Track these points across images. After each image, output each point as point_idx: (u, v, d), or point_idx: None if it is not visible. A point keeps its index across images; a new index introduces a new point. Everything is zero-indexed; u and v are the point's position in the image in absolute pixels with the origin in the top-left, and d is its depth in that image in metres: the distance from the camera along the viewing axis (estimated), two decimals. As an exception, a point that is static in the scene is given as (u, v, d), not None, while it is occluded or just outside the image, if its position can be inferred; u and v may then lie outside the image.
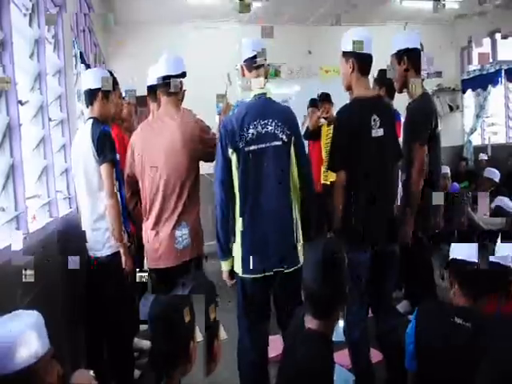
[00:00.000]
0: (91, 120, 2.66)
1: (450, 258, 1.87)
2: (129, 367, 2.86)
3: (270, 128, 2.33)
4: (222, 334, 1.50)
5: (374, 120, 2.43)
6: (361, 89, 2.51)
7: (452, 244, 1.87)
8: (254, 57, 2.41)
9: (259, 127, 2.33)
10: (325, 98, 5.16)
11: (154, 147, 2.60)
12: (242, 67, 2.48)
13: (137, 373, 3.12)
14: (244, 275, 2.39)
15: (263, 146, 2.33)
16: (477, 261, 1.78)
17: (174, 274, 2.53)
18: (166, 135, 2.57)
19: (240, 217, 2.37)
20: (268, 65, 2.50)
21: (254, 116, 2.34)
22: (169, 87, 2.59)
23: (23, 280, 1.86)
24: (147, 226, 2.66)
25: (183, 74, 2.66)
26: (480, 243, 1.83)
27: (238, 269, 2.41)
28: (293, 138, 2.37)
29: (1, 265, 1.68)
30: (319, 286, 1.69)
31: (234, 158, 2.34)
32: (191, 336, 1.40)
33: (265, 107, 2.38)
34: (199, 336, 1.48)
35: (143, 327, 3.86)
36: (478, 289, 1.82)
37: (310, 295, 1.73)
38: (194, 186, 2.63)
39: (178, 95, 2.68)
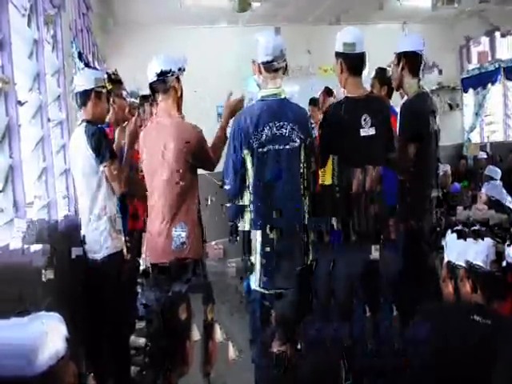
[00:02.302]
0: (84, 123, 2.63)
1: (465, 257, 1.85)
2: (125, 365, 2.86)
3: (284, 130, 2.32)
4: (219, 335, 1.48)
5: (365, 119, 2.43)
6: (351, 88, 2.51)
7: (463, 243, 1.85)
8: (272, 60, 2.36)
9: (274, 129, 2.32)
10: (324, 90, 5.14)
11: (151, 145, 2.57)
12: (258, 66, 2.41)
13: (134, 370, 3.12)
14: (261, 289, 2.36)
15: (277, 147, 2.32)
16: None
17: (171, 270, 2.51)
18: (162, 133, 2.53)
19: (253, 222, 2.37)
20: (286, 64, 2.42)
21: (269, 117, 2.32)
22: (164, 83, 2.50)
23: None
24: (148, 222, 2.65)
25: (180, 69, 2.54)
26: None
27: (256, 283, 2.37)
28: (306, 141, 2.36)
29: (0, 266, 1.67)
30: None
31: (248, 158, 2.34)
32: (187, 334, 1.39)
33: (281, 108, 2.35)
34: (196, 335, 1.47)
35: (139, 325, 3.87)
36: (491, 292, 1.80)
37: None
38: (191, 187, 2.59)
39: (175, 92, 2.55)
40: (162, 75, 2.49)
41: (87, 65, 3.85)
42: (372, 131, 2.44)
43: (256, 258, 2.37)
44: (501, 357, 1.53)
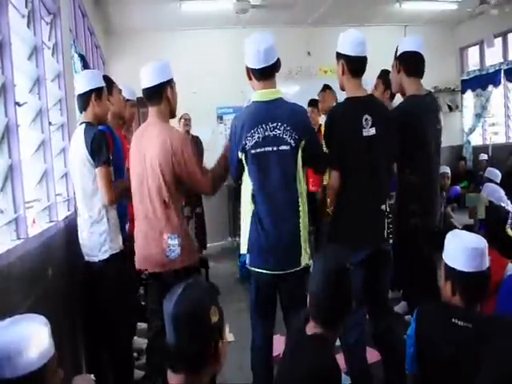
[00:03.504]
0: (83, 125, 2.62)
1: (444, 260, 1.86)
2: (128, 371, 2.83)
3: (277, 132, 2.31)
4: (229, 335, 1.47)
5: (366, 119, 2.43)
6: (352, 89, 2.51)
7: (446, 245, 1.85)
8: (264, 67, 2.33)
9: (268, 130, 2.32)
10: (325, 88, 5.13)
11: (138, 154, 2.54)
12: (250, 71, 2.39)
13: (139, 374, 3.10)
14: (251, 267, 2.44)
15: (269, 149, 2.32)
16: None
17: (164, 279, 2.48)
18: (149, 143, 2.48)
19: (250, 214, 2.39)
20: (278, 60, 2.38)
21: (263, 118, 2.32)
22: (148, 99, 2.51)
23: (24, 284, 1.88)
24: (136, 229, 2.61)
25: (166, 82, 2.49)
26: None
27: (247, 261, 2.46)
28: (302, 142, 2.34)
29: (1, 269, 1.67)
30: (331, 295, 1.71)
31: (243, 158, 2.36)
32: (219, 335, 1.39)
33: (275, 109, 2.34)
34: (230, 336, 1.46)
35: (142, 326, 3.86)
36: (473, 294, 1.80)
37: (320, 304, 1.74)
38: (177, 198, 2.55)
39: (161, 105, 2.51)
40: (158, 86, 2.47)
41: (86, 67, 3.86)
42: (372, 131, 2.44)
43: (244, 238, 2.44)
44: (483, 360, 1.53)
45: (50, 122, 2.78)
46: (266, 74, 2.36)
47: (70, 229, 2.80)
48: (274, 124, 2.31)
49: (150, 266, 2.54)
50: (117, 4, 5.85)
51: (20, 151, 2.05)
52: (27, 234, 2.08)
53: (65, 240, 2.72)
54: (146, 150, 2.48)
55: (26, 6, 2.61)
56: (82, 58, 3.89)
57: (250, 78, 2.42)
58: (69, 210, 3.08)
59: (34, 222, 2.48)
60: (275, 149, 2.32)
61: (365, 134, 2.43)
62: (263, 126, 2.31)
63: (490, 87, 7.80)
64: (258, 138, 2.31)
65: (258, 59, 2.32)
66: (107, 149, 2.57)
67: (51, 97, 2.87)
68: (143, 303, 4.31)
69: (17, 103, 2.09)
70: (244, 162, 2.37)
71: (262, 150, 2.32)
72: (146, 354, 2.88)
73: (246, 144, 2.33)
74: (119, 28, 6.71)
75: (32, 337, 1.16)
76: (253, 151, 2.32)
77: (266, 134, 2.31)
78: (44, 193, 2.64)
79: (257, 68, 2.35)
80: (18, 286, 1.85)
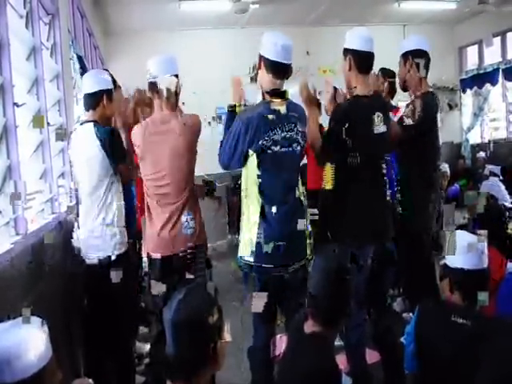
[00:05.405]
0: (91, 124, 2.54)
1: (445, 260, 1.86)
2: (130, 375, 2.82)
3: (292, 133, 2.35)
4: (227, 335, 1.48)
5: (378, 117, 2.44)
6: (360, 86, 2.48)
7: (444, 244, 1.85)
8: (287, 63, 2.33)
9: (284, 131, 2.34)
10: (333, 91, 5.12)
11: (155, 146, 2.54)
12: (268, 63, 2.33)
13: (139, 379, 3.08)
14: (259, 265, 2.38)
15: (285, 150, 2.35)
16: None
17: (180, 260, 2.58)
18: (167, 134, 2.53)
19: (260, 215, 2.36)
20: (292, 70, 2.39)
21: (280, 120, 2.33)
22: (157, 92, 2.53)
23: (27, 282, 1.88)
24: (154, 217, 2.63)
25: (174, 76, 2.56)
26: None
27: (250, 258, 2.38)
28: (305, 142, 2.43)
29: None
30: (330, 295, 1.72)
31: (254, 157, 2.33)
32: (218, 336, 1.39)
33: (288, 110, 2.36)
34: (228, 336, 1.46)
35: (142, 330, 3.85)
36: (470, 292, 1.80)
37: (320, 303, 1.74)
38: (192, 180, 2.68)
39: (170, 97, 2.55)
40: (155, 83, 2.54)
41: (84, 68, 3.85)
42: (383, 128, 2.46)
43: (251, 235, 2.39)
44: (483, 359, 1.53)
45: (49, 123, 2.78)
46: (279, 71, 2.34)
47: (70, 225, 2.77)
48: (290, 125, 2.35)
49: (165, 249, 2.59)
50: (116, 4, 5.84)
51: (18, 152, 2.05)
52: (26, 231, 2.09)
53: (63, 237, 2.69)
54: (168, 134, 2.55)
55: (25, 7, 2.61)
56: (80, 58, 3.87)
57: (260, 68, 2.38)
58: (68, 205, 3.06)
59: (32, 222, 2.47)
60: (290, 149, 2.36)
61: (376, 131, 2.44)
62: (280, 127, 2.33)
63: (489, 86, 7.81)
64: (276, 139, 2.32)
65: (276, 52, 2.30)
66: (122, 144, 2.59)
67: (50, 97, 2.87)
68: (143, 304, 4.31)
69: (15, 104, 2.09)
70: (256, 161, 2.33)
71: (279, 149, 2.34)
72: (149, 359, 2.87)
73: (262, 144, 2.31)
74: (118, 28, 6.71)
75: (30, 340, 1.16)
76: (269, 151, 2.32)
77: (283, 135, 2.34)
78: (42, 194, 2.64)
79: (274, 60, 2.31)
80: (17, 284, 1.85)
